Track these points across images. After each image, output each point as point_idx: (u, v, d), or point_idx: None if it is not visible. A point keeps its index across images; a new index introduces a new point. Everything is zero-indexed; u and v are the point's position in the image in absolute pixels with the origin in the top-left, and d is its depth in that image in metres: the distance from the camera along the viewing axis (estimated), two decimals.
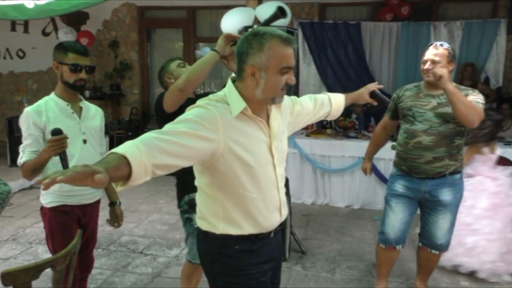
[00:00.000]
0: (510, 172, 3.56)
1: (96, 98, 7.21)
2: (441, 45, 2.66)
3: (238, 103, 1.53)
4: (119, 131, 7.04)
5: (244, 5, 4.34)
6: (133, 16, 7.48)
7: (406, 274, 3.39)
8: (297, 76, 6.67)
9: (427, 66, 2.64)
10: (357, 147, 4.87)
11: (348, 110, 5.27)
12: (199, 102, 1.53)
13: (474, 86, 5.61)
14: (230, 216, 1.57)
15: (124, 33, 7.52)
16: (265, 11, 4.05)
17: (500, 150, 4.28)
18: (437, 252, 2.86)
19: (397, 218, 2.83)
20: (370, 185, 4.92)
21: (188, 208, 2.46)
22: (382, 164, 4.80)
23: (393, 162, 2.95)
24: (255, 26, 2.67)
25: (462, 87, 2.71)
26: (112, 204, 2.63)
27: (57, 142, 1.98)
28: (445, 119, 2.61)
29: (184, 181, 2.41)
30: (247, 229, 1.59)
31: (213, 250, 1.63)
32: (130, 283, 3.28)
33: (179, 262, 3.58)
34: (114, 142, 6.98)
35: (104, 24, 7.58)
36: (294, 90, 3.17)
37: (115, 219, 2.63)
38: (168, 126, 1.40)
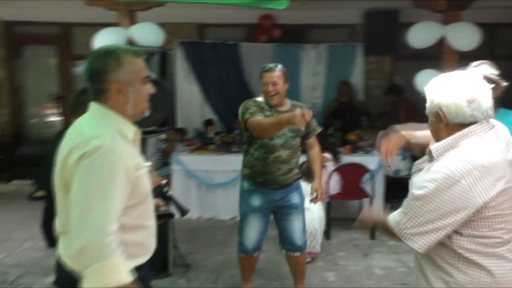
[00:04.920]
0: None
1: None
2: (275, 66, 2.89)
3: (128, 127, 1.55)
4: None
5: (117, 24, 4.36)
6: None
7: (283, 276, 3.66)
8: (178, 95, 6.79)
9: (270, 88, 2.84)
10: (239, 161, 5.06)
11: None
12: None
13: (350, 102, 6.32)
14: None
15: None
16: (139, 32, 4.09)
17: (359, 158, 4.92)
18: (299, 254, 3.12)
19: (254, 230, 3.06)
20: None
21: None
22: None
23: (243, 176, 3.11)
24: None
25: (295, 102, 3.03)
26: None
27: None
28: (297, 134, 2.93)
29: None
30: None
31: None
32: None
33: None
34: None
35: None
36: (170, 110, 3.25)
37: None
38: None
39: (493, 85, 1.93)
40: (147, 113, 1.63)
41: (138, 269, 1.56)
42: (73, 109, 2.37)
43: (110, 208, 1.37)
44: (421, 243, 1.45)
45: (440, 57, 4.31)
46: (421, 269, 1.59)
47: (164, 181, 2.57)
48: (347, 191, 4.55)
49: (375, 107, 6.78)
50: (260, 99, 3.01)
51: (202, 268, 3.82)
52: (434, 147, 1.50)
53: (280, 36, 6.71)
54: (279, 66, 2.91)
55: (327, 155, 4.64)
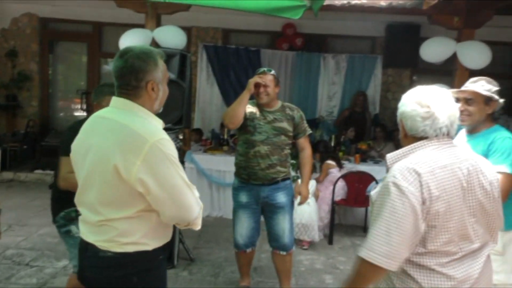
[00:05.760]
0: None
1: None
2: (269, 71, 3.14)
3: (157, 120, 1.68)
4: (13, 144, 6.76)
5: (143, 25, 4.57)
6: (35, 26, 7.30)
7: None
8: (199, 96, 7.00)
9: (261, 90, 3.07)
10: None
11: None
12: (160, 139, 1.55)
13: (363, 113, 6.41)
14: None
15: (24, 43, 7.29)
16: (162, 34, 4.30)
17: (368, 167, 4.98)
18: (285, 253, 3.21)
19: (244, 226, 3.22)
20: None
21: (65, 222, 2.59)
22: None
23: (234, 174, 3.30)
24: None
25: (286, 104, 3.23)
26: None
27: None
28: (280, 132, 3.08)
29: (59, 196, 2.53)
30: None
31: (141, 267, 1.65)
32: None
33: (66, 272, 3.60)
34: (7, 155, 6.68)
35: (1, 33, 7.29)
36: (186, 109, 3.42)
37: None
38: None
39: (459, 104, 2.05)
40: (161, 109, 1.78)
41: (164, 249, 1.71)
42: (95, 99, 2.57)
43: (188, 182, 1.61)
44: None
45: (453, 73, 4.35)
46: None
47: None
48: (352, 198, 4.62)
49: (390, 119, 6.83)
50: (251, 107, 3.19)
51: (205, 263, 3.97)
52: (389, 156, 1.57)
53: (302, 45, 6.85)
54: (272, 71, 3.16)
55: (331, 162, 4.74)
